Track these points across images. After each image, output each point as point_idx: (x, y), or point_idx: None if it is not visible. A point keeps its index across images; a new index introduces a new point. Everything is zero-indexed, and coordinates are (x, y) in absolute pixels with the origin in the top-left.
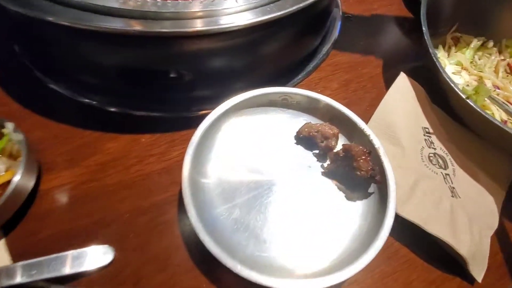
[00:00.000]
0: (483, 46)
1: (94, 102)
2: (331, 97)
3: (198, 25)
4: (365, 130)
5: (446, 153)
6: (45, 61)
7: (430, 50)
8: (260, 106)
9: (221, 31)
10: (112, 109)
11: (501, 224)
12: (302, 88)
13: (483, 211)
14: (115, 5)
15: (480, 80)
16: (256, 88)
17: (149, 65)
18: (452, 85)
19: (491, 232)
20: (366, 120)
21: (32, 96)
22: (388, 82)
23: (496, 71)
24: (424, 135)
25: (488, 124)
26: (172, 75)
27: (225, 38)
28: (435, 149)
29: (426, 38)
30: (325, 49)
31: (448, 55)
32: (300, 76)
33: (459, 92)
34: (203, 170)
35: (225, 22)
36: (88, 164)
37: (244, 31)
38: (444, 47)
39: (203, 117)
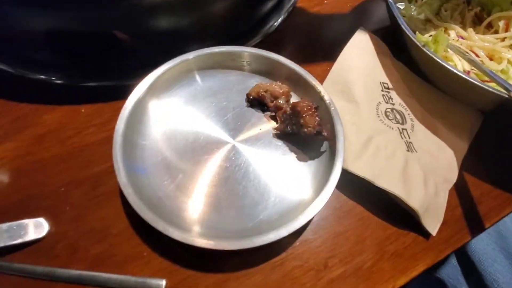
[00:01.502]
0: None
1: (28, 73)
2: (289, 56)
3: None
4: (316, 86)
5: (405, 108)
6: None
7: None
8: (207, 69)
9: None
10: (48, 79)
11: (461, 178)
12: (259, 45)
13: (442, 165)
14: None
15: (446, 30)
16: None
17: (83, 28)
18: (408, 33)
19: (449, 185)
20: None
21: None
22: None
23: (463, 23)
24: (382, 90)
25: (448, 74)
26: (109, 38)
27: None
28: (393, 104)
29: None
30: (285, 8)
31: (415, 5)
32: (256, 38)
33: (415, 40)
34: (142, 132)
35: None
36: (23, 138)
37: None
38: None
39: None
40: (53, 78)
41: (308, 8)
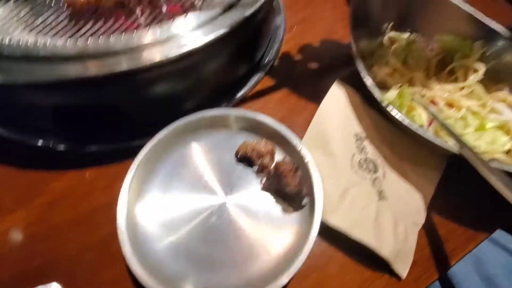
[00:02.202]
0: (415, 44)
1: (35, 143)
2: (273, 112)
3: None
4: (296, 145)
5: (378, 156)
6: None
7: (356, 59)
8: (198, 129)
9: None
10: (54, 148)
11: (429, 218)
12: (245, 105)
13: (411, 209)
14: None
15: (411, 80)
16: (196, 110)
17: (84, 102)
18: (372, 92)
19: (417, 228)
20: (305, 130)
21: None
22: (327, 87)
23: (427, 69)
24: (356, 141)
25: (408, 129)
26: (109, 108)
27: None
28: (366, 154)
29: (352, 43)
30: (266, 62)
31: (385, 54)
32: (241, 93)
33: (379, 100)
34: (143, 199)
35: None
36: (33, 206)
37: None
38: (382, 48)
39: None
40: (55, 145)
41: (287, 63)
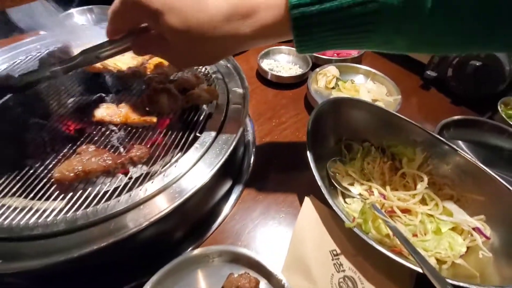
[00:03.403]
0: (369, 151)
1: None
2: (253, 229)
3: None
4: (279, 277)
5: (355, 271)
6: None
7: (318, 182)
8: (183, 269)
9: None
10: None
11: None
12: (227, 223)
13: None
14: None
15: (370, 189)
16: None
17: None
18: (340, 215)
19: None
20: (286, 245)
21: None
22: (301, 199)
23: (382, 173)
24: (333, 259)
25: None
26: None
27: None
28: (344, 271)
29: (312, 168)
30: (242, 179)
31: (345, 162)
32: (222, 216)
33: (345, 223)
34: None
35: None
36: None
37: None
38: (341, 155)
39: None
40: None
41: (261, 175)
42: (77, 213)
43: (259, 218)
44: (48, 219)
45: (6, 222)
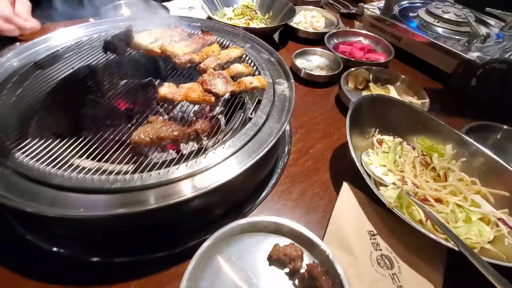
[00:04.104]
0: (402, 146)
1: (72, 253)
2: (292, 209)
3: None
4: (323, 248)
5: (391, 251)
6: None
7: (359, 168)
8: (233, 236)
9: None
10: (94, 259)
11: None
12: (268, 202)
13: None
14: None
15: (403, 179)
16: (225, 216)
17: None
18: (379, 197)
19: None
20: (323, 226)
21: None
22: (336, 185)
23: (414, 166)
24: (370, 238)
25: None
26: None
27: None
28: (381, 250)
29: (353, 155)
30: (281, 164)
31: (377, 154)
32: (264, 193)
33: (387, 204)
34: None
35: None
36: None
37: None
38: (373, 148)
39: (183, 254)
40: (95, 258)
41: (297, 162)
42: (151, 173)
43: (297, 201)
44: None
45: (87, 176)
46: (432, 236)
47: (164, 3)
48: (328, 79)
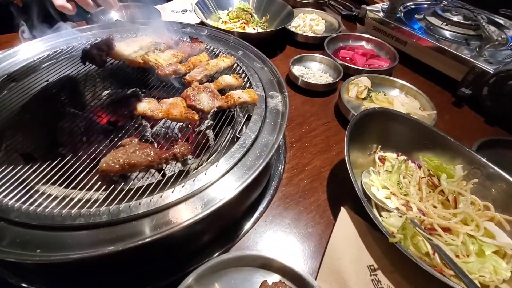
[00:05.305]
0: (406, 164)
1: None
2: (284, 236)
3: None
4: (313, 285)
5: None
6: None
7: (358, 193)
8: (218, 271)
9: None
10: None
11: None
12: (258, 228)
13: None
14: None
15: (408, 203)
16: (217, 245)
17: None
18: (380, 228)
19: None
20: (318, 256)
21: None
22: (333, 207)
23: (419, 188)
24: (371, 274)
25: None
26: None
27: None
28: (382, 287)
29: (352, 178)
30: (274, 184)
31: (379, 173)
32: (253, 218)
33: (389, 238)
34: None
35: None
36: None
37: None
38: (374, 166)
39: None
40: None
41: (291, 182)
42: (120, 205)
43: (290, 227)
44: (91, 210)
45: (47, 211)
46: (438, 276)
47: (156, 6)
48: (326, 88)
